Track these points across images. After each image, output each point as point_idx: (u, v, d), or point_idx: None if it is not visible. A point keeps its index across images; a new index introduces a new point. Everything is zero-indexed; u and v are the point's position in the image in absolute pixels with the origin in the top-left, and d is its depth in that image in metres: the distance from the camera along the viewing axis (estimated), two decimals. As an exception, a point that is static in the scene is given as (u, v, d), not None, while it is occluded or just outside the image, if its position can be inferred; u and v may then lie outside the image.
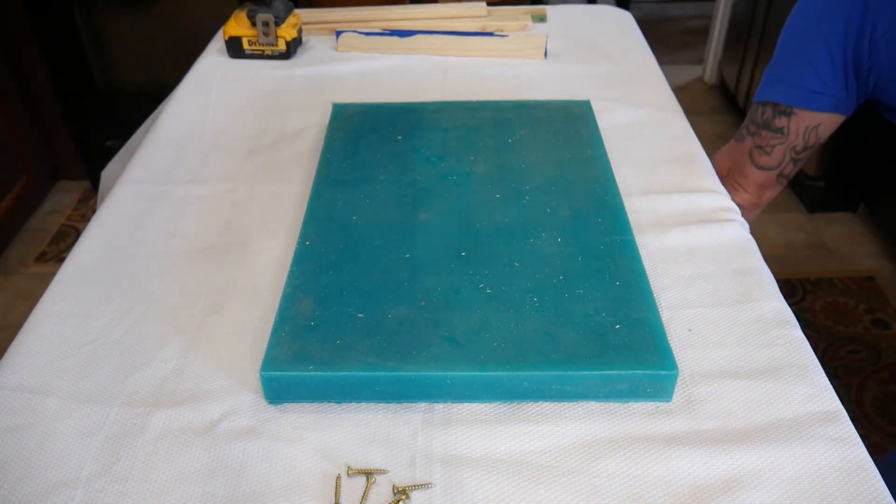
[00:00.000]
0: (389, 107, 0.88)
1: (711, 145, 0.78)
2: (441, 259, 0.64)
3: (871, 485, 0.49)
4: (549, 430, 0.53)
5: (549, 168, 0.76)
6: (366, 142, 0.81)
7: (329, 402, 0.56)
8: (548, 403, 0.55)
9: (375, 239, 0.66)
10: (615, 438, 0.53)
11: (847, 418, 0.53)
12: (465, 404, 0.55)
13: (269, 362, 0.54)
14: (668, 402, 0.55)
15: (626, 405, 0.55)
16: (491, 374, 0.54)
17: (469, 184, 0.74)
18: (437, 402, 0.55)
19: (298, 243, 0.66)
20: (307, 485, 0.50)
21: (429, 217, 0.69)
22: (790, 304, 0.64)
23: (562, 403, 0.55)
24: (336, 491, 0.50)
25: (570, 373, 0.53)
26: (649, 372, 0.53)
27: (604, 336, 0.55)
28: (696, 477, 0.50)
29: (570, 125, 0.83)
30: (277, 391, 0.55)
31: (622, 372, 0.53)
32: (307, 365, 0.54)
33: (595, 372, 0.53)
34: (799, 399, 0.55)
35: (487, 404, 0.55)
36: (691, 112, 0.96)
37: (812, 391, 0.55)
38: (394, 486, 0.50)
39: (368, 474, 0.50)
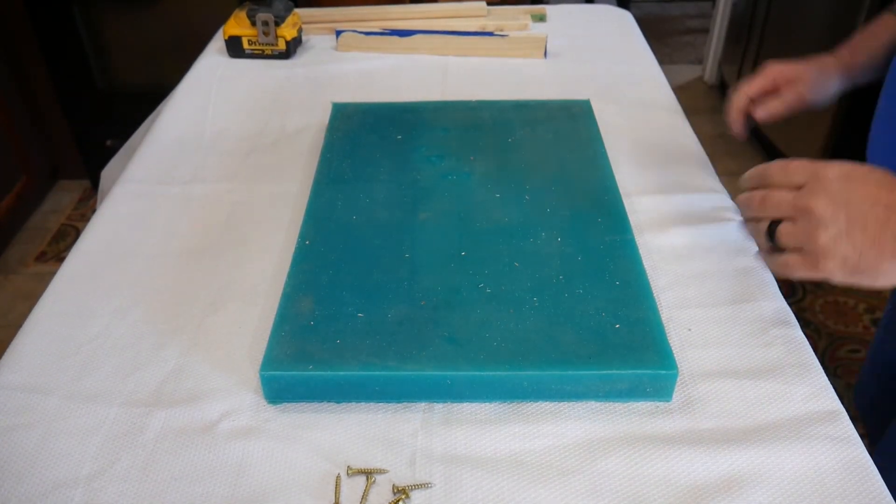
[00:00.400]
0: (389, 106, 0.88)
1: (711, 145, 0.78)
2: (441, 259, 0.64)
3: (871, 484, 0.49)
4: (548, 430, 0.53)
5: (549, 168, 0.76)
6: (366, 141, 0.81)
7: (329, 401, 0.56)
8: (548, 403, 0.55)
9: (375, 238, 0.66)
10: (615, 438, 0.53)
11: (847, 418, 0.53)
12: (466, 404, 0.55)
13: (269, 362, 0.54)
14: (668, 401, 0.55)
15: (626, 405, 0.55)
16: (491, 373, 0.54)
17: (469, 183, 0.74)
18: (437, 402, 0.55)
19: (298, 243, 0.66)
20: (307, 484, 0.50)
21: (429, 217, 0.69)
22: (790, 304, 0.64)
23: (562, 403, 0.55)
24: (336, 491, 0.50)
25: (569, 372, 0.53)
26: (649, 371, 0.53)
27: (604, 335, 0.55)
28: (695, 476, 0.50)
29: (570, 125, 0.83)
30: (277, 391, 0.55)
31: (622, 371, 0.53)
32: (307, 365, 0.54)
33: (595, 371, 0.53)
34: (799, 399, 0.55)
35: (487, 404, 0.55)
36: (691, 112, 0.96)
37: (812, 391, 0.55)
38: (394, 485, 0.50)
39: (368, 474, 0.50)
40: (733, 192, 0.80)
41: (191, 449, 0.53)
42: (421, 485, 0.50)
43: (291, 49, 1.09)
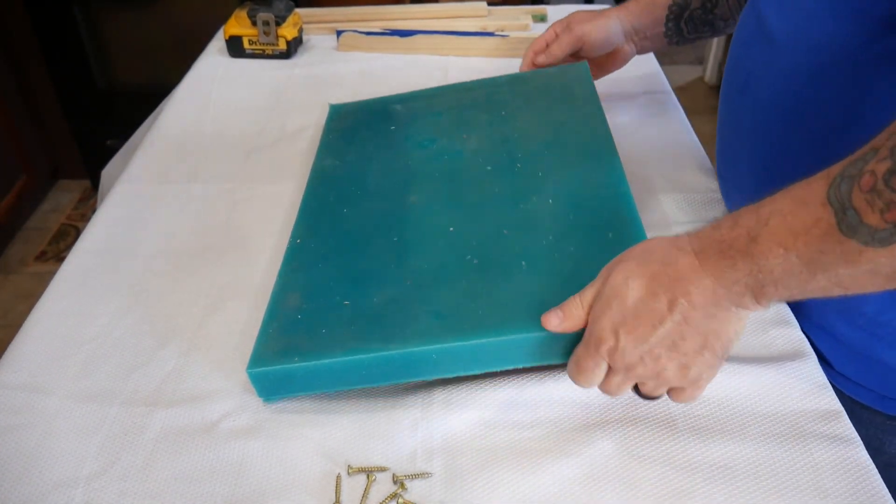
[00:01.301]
0: (384, 100, 0.87)
1: (711, 145, 0.78)
2: (428, 237, 0.62)
3: (871, 485, 0.49)
4: (545, 417, 0.54)
5: (541, 132, 0.72)
6: (359, 137, 0.80)
7: (322, 391, 0.55)
8: (545, 388, 0.55)
9: (365, 228, 0.65)
10: (611, 423, 0.53)
11: (846, 417, 0.53)
12: (463, 394, 0.55)
13: (256, 360, 0.54)
14: None
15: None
16: (476, 342, 0.51)
17: (460, 161, 0.71)
18: (428, 378, 0.54)
19: (289, 242, 0.66)
20: (307, 484, 0.50)
21: (419, 200, 0.67)
22: (790, 304, 0.64)
23: (559, 388, 0.55)
24: (336, 489, 0.50)
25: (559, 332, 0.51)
26: None
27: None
28: (690, 462, 0.50)
29: (566, 89, 0.79)
30: (268, 388, 0.55)
31: None
32: (292, 357, 0.53)
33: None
34: (798, 398, 0.55)
35: (484, 393, 0.55)
36: (691, 112, 0.96)
37: (810, 388, 0.55)
38: (394, 475, 0.50)
39: (369, 473, 0.50)
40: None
41: (191, 449, 0.53)
42: (421, 474, 0.50)
43: (292, 49, 1.09)
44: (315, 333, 0.55)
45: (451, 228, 0.62)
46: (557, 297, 0.51)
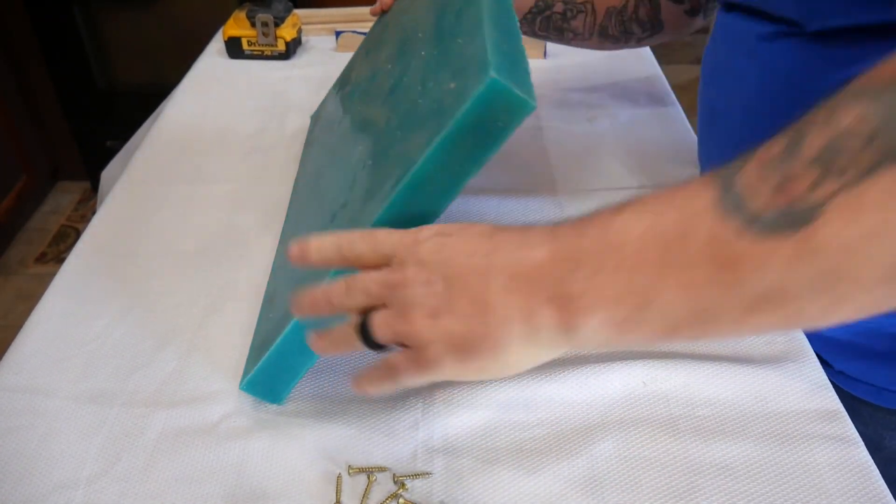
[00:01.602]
0: (340, 77, 0.86)
1: (711, 145, 0.78)
2: (343, 170, 0.61)
3: (872, 485, 0.49)
4: (546, 417, 0.54)
5: (433, 11, 0.65)
6: (320, 126, 0.80)
7: (310, 365, 0.54)
8: (546, 388, 0.55)
9: (309, 202, 0.65)
10: (612, 423, 0.53)
11: (847, 417, 0.54)
12: (464, 394, 0.55)
13: (244, 375, 0.56)
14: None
15: (623, 390, 0.55)
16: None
17: (373, 82, 0.68)
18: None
19: (276, 254, 0.67)
20: (307, 484, 0.50)
21: (340, 144, 0.67)
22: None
23: (560, 389, 0.55)
24: (337, 490, 0.50)
25: (416, 168, 0.46)
26: (473, 93, 0.43)
27: (441, 103, 0.48)
28: (691, 462, 0.50)
29: None
30: (266, 391, 0.55)
31: (458, 116, 0.44)
32: (261, 355, 0.54)
33: (443, 136, 0.45)
34: (798, 398, 0.55)
35: (485, 393, 0.55)
36: (691, 112, 0.96)
37: (811, 388, 0.55)
38: (394, 475, 0.50)
39: (369, 473, 0.51)
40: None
41: (191, 449, 0.53)
42: (421, 474, 0.50)
43: (291, 50, 1.09)
44: (276, 322, 0.56)
45: (360, 147, 0.61)
46: (418, 135, 0.48)
